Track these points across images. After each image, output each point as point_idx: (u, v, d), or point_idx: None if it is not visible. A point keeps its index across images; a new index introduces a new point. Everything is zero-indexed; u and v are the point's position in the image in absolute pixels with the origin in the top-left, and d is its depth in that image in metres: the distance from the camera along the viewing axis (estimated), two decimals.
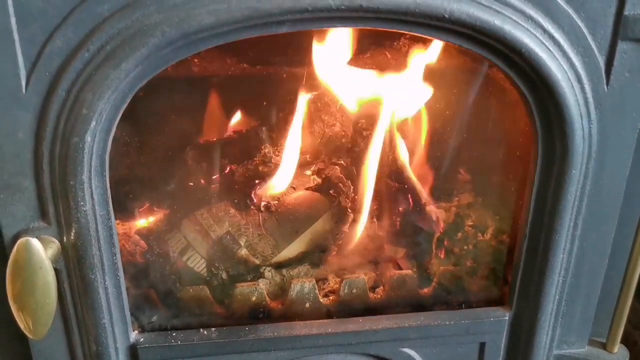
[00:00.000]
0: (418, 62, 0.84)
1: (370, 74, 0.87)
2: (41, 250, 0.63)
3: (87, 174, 0.65)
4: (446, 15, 0.63)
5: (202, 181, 0.90)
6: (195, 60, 0.84)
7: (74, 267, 0.70)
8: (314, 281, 0.84)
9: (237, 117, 0.92)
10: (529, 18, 0.65)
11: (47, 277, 0.65)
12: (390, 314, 0.85)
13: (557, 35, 0.66)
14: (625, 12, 0.66)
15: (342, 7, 0.61)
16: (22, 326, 0.67)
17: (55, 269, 0.67)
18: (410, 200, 0.92)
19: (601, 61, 0.69)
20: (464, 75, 0.87)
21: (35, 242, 0.63)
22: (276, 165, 0.89)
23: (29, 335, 0.67)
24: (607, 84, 0.70)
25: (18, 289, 0.65)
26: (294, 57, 0.87)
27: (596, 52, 0.68)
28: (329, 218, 0.91)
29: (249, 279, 0.86)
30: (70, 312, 0.73)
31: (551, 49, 0.66)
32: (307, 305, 0.84)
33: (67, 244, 0.69)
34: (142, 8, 0.60)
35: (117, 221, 0.75)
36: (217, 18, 0.60)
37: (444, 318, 0.84)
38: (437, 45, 0.81)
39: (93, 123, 0.62)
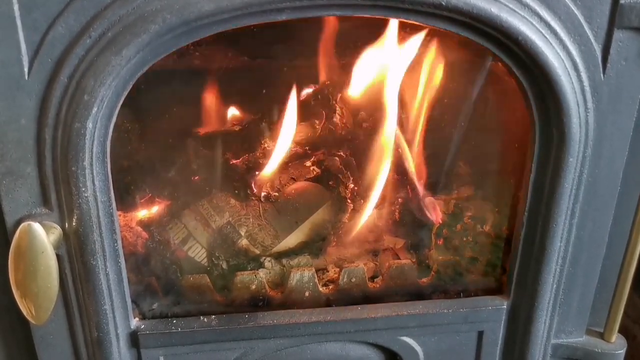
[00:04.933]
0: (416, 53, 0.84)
1: (370, 66, 0.87)
2: (43, 235, 0.64)
3: (88, 160, 0.65)
4: (443, 3, 0.63)
5: (203, 172, 0.91)
6: (197, 53, 0.85)
7: (75, 253, 0.71)
8: (314, 270, 0.84)
9: (238, 109, 0.92)
10: (526, 6, 0.65)
11: (49, 262, 0.65)
12: (389, 302, 0.85)
13: (554, 24, 0.67)
14: (622, 1, 0.66)
15: None
16: (24, 311, 0.67)
17: (57, 255, 0.67)
18: (410, 191, 0.92)
19: (597, 49, 0.69)
20: (463, 67, 0.87)
21: (37, 227, 0.64)
22: (272, 155, 0.89)
23: (31, 321, 0.68)
24: (604, 72, 0.70)
25: (21, 275, 0.65)
26: (294, 50, 0.87)
27: (592, 40, 0.68)
28: (328, 208, 0.92)
29: (249, 268, 0.87)
30: (71, 299, 0.74)
31: (548, 37, 0.67)
32: (307, 294, 0.84)
33: (68, 230, 0.69)
34: None
35: (119, 212, 0.75)
36: (217, 5, 0.61)
37: (442, 307, 0.84)
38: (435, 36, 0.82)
39: (94, 109, 0.63)
